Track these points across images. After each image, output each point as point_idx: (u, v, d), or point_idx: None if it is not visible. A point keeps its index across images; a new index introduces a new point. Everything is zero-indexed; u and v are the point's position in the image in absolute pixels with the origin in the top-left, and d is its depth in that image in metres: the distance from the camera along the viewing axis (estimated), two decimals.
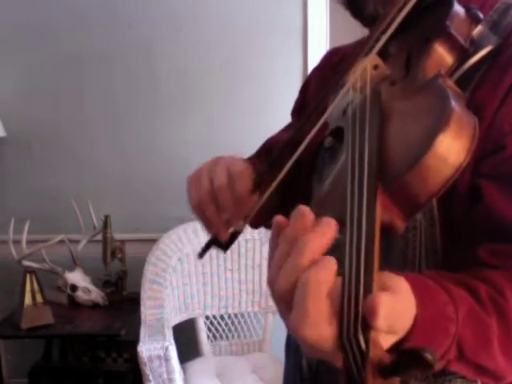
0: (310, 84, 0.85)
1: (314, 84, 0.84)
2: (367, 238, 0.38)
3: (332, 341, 0.35)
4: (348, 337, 0.35)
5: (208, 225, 0.66)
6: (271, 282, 0.39)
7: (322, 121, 0.57)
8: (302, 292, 0.35)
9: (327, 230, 0.37)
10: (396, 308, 0.36)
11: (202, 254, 0.68)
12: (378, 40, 0.54)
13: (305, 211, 0.38)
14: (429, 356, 0.32)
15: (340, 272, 0.37)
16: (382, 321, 0.34)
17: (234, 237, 0.65)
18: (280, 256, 0.38)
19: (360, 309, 0.35)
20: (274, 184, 0.60)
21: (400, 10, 0.53)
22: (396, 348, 0.38)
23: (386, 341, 0.36)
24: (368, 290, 0.36)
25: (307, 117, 0.61)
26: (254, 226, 0.84)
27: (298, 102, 0.89)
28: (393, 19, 0.53)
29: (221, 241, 0.65)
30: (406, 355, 0.33)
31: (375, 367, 0.34)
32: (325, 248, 0.37)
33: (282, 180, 0.60)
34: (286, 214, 0.41)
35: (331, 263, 0.36)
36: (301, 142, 0.58)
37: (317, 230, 0.37)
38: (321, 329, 0.35)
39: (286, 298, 0.37)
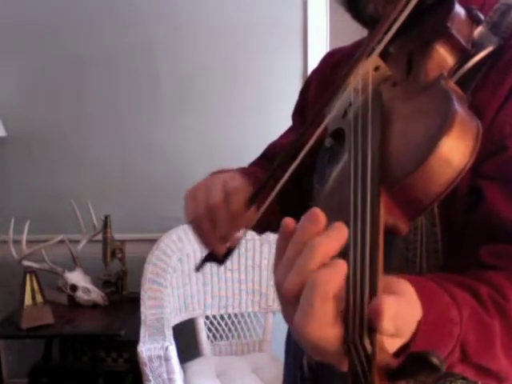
0: (310, 86, 0.85)
1: (313, 86, 0.84)
2: (371, 240, 0.38)
3: (336, 342, 0.35)
4: (354, 340, 0.35)
5: (204, 240, 0.66)
6: (279, 284, 0.38)
7: (322, 126, 0.57)
8: (309, 292, 0.35)
9: (338, 235, 0.37)
10: (401, 310, 0.35)
11: (198, 268, 0.69)
12: (379, 42, 0.54)
13: (319, 215, 0.38)
14: (435, 360, 0.32)
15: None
16: (387, 323, 0.34)
17: (229, 251, 0.65)
18: (289, 258, 0.38)
19: (365, 312, 0.35)
20: (273, 195, 0.60)
21: (401, 11, 0.53)
22: (401, 352, 0.37)
23: (391, 344, 0.36)
24: (373, 292, 0.35)
25: (309, 122, 0.60)
26: (259, 231, 0.83)
27: (298, 104, 0.89)
28: (394, 20, 0.53)
29: (217, 256, 0.66)
30: (412, 359, 0.33)
31: (382, 371, 0.34)
32: (335, 253, 0.36)
33: (281, 189, 0.59)
34: (290, 215, 0.41)
35: (342, 266, 0.35)
36: (302, 147, 0.57)
37: (329, 234, 0.37)
38: (325, 329, 0.35)
39: (293, 300, 0.37)
